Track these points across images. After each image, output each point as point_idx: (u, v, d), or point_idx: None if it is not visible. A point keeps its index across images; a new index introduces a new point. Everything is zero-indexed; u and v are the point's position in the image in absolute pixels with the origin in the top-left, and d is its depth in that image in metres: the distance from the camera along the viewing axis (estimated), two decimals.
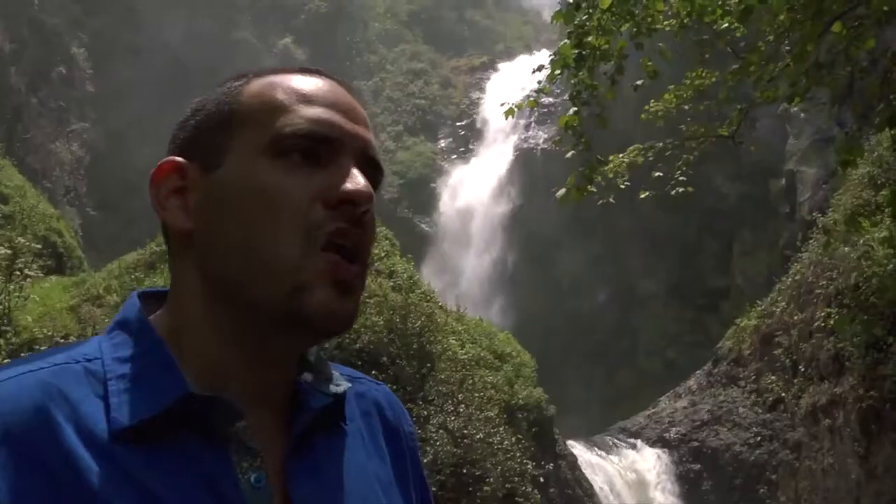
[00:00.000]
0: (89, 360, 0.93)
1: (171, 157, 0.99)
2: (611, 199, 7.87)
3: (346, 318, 0.96)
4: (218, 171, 0.96)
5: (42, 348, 7.93)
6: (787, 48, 7.97)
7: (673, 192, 8.57)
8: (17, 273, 9.93)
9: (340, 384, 1.05)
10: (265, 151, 0.95)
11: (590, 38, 6.68)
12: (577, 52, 6.64)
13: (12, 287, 9.69)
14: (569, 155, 7.26)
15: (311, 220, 0.93)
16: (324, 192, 0.94)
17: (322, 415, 1.01)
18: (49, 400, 0.86)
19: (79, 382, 0.90)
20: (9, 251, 10.07)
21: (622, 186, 8.10)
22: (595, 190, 7.52)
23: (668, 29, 7.73)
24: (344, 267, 0.94)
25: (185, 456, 0.88)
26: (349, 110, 1.01)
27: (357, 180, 0.96)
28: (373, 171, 1.00)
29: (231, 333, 0.95)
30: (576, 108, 6.94)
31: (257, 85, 1.00)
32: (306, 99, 0.98)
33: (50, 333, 9.10)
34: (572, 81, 7.00)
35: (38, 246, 12.61)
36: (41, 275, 10.41)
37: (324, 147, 0.96)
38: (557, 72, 6.88)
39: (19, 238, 10.84)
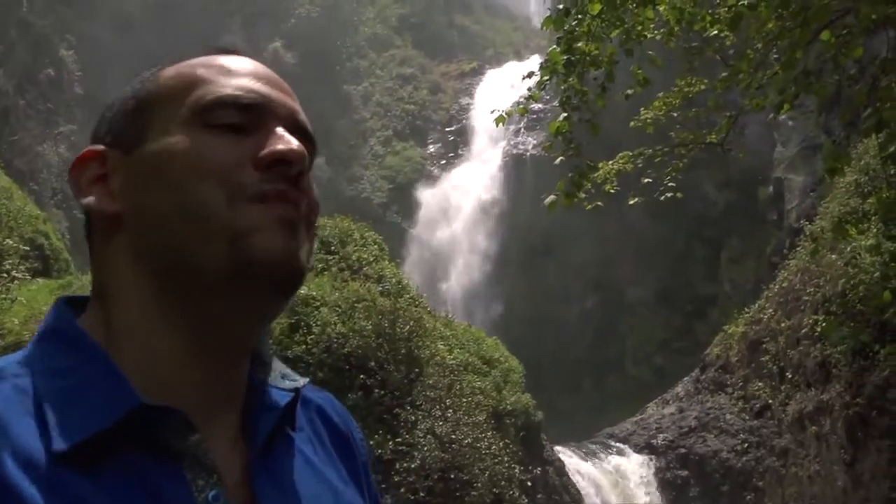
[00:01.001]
0: (19, 377, 0.84)
1: (89, 147, 0.95)
2: (599, 204, 7.87)
3: (296, 258, 0.89)
4: (139, 149, 0.91)
5: None
6: (775, 56, 8.01)
7: (662, 198, 8.58)
8: (4, 275, 9.87)
9: (297, 379, 1.01)
10: (188, 122, 0.90)
11: (580, 44, 6.70)
12: (566, 57, 6.65)
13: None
14: (558, 161, 7.27)
15: (240, 181, 0.88)
16: (253, 155, 0.90)
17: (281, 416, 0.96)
18: None
19: (9, 402, 0.81)
20: None
21: (612, 191, 8.11)
22: (585, 196, 7.53)
23: (657, 38, 7.75)
24: (283, 207, 0.89)
25: (135, 477, 0.80)
26: (272, 80, 0.97)
27: (288, 140, 0.91)
28: (305, 142, 0.95)
29: (176, 318, 0.88)
30: (566, 114, 6.95)
31: (174, 67, 0.97)
32: (227, 71, 0.95)
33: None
34: (562, 87, 7.01)
35: (26, 248, 12.54)
36: (28, 277, 10.34)
37: (250, 115, 0.92)
38: (547, 77, 6.89)
39: (7, 240, 10.77)
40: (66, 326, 0.90)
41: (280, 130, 0.92)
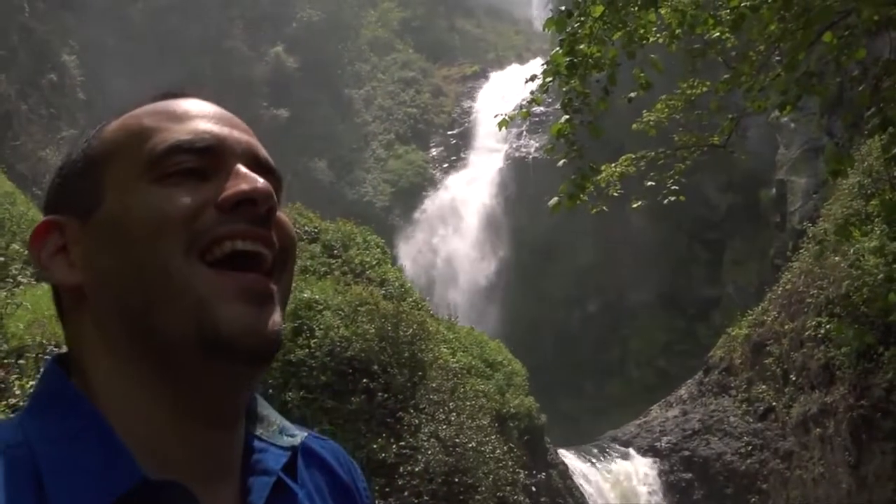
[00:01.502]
0: (14, 447, 0.80)
1: (45, 218, 0.91)
2: (604, 208, 7.87)
3: (269, 333, 0.85)
4: (95, 214, 0.87)
5: (31, 355, 7.91)
6: (777, 58, 8.01)
7: (665, 201, 8.58)
8: (10, 280, 9.87)
9: (295, 434, 0.97)
10: (142, 176, 0.86)
11: (582, 46, 6.70)
12: (568, 59, 6.66)
13: (4, 294, 9.64)
14: (561, 163, 7.27)
15: (199, 226, 0.83)
16: (215, 198, 0.85)
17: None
18: None
19: (4, 479, 0.77)
20: (1, 258, 10.02)
21: (615, 194, 8.11)
22: (587, 199, 7.53)
23: (660, 41, 7.76)
24: (243, 276, 0.84)
25: None
26: (225, 118, 0.93)
27: (251, 178, 0.86)
28: (270, 178, 0.90)
29: (154, 386, 0.84)
30: (568, 117, 6.95)
31: (117, 121, 0.93)
32: (176, 117, 0.90)
33: (40, 340, 9.04)
34: (564, 89, 7.01)
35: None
36: (33, 282, 10.34)
37: (207, 158, 0.87)
38: (549, 79, 6.89)
39: (11, 245, 10.78)
40: (62, 390, 0.86)
41: (241, 168, 0.88)
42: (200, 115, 0.91)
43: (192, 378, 0.84)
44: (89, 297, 0.87)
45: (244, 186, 0.85)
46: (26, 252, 12.50)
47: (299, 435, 0.97)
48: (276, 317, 0.87)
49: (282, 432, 0.96)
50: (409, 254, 34.79)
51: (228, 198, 0.85)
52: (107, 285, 0.85)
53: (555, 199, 7.05)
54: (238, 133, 0.92)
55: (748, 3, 6.79)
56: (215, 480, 0.87)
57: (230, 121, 0.93)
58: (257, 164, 0.91)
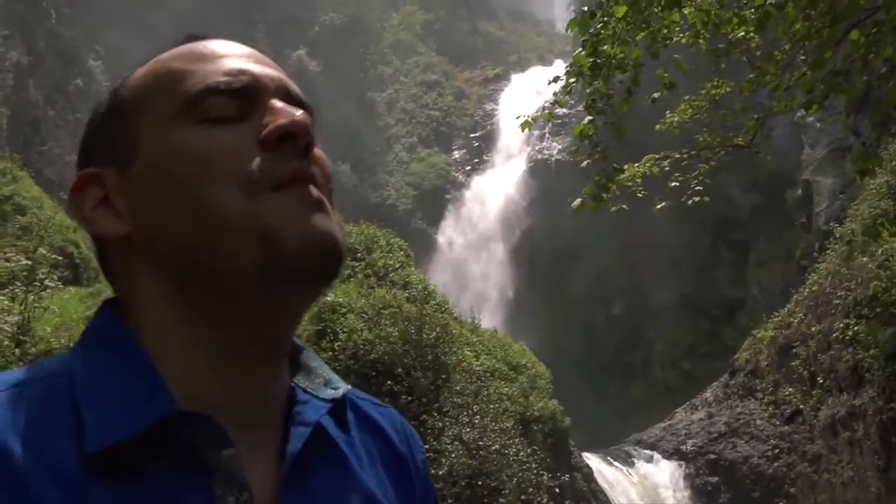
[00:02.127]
0: (54, 377, 0.81)
1: (82, 172, 0.89)
2: (624, 207, 7.82)
3: (335, 236, 0.84)
4: (135, 162, 0.86)
5: None
6: (802, 57, 7.93)
7: (689, 202, 8.52)
8: (37, 284, 9.98)
9: (338, 387, 0.94)
10: (177, 119, 0.85)
11: (605, 47, 6.67)
12: (592, 60, 6.63)
13: (32, 297, 9.75)
14: (584, 164, 7.24)
15: (251, 168, 0.82)
16: (257, 135, 0.84)
17: (320, 429, 0.89)
18: (3, 432, 0.75)
19: (43, 406, 0.78)
20: (28, 262, 10.14)
21: (639, 195, 8.05)
22: (610, 198, 7.48)
23: (684, 41, 7.70)
24: (300, 190, 0.83)
25: (161, 490, 0.77)
26: (254, 56, 0.92)
27: (289, 111, 0.85)
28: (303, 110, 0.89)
29: (205, 327, 0.84)
30: (591, 118, 6.92)
31: (143, 68, 0.91)
32: (204, 57, 0.89)
33: (66, 343, 9.14)
34: (587, 91, 6.98)
35: (57, 257, 12.69)
36: (60, 286, 10.45)
37: (242, 98, 0.86)
38: (573, 80, 6.86)
39: (39, 249, 10.90)
40: (111, 327, 0.87)
41: (277, 103, 0.87)
42: (230, 54, 0.90)
43: (247, 311, 0.84)
44: (139, 245, 0.85)
45: (283, 120, 0.84)
46: (53, 256, 12.65)
47: (342, 388, 0.94)
48: (338, 223, 0.86)
49: (327, 385, 0.94)
50: (432, 255, 34.81)
51: (270, 133, 0.84)
52: (159, 231, 0.84)
53: (578, 201, 7.01)
54: (268, 69, 0.91)
55: (773, 2, 6.72)
56: (257, 426, 0.87)
57: (260, 58, 0.92)
58: (290, 99, 0.90)
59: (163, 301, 0.85)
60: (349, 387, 0.96)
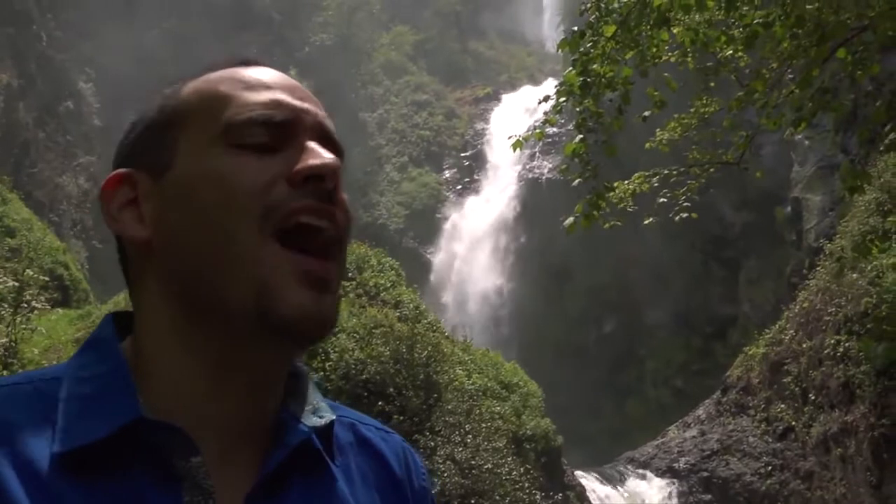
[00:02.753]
0: (46, 381, 0.86)
1: (118, 170, 0.94)
2: (617, 223, 7.84)
3: (326, 319, 0.88)
4: (168, 174, 0.90)
5: None
6: (790, 76, 7.99)
7: (678, 219, 8.55)
8: (25, 305, 9.93)
9: (324, 415, 0.96)
10: (216, 143, 0.89)
11: (595, 66, 6.70)
12: (582, 79, 6.66)
13: (19, 319, 9.69)
14: (575, 183, 7.26)
15: (272, 200, 0.86)
16: (286, 171, 0.88)
17: (303, 451, 0.92)
18: None
19: (24, 405, 0.83)
20: (16, 283, 10.09)
21: (629, 209, 8.08)
22: (601, 216, 7.50)
23: (673, 60, 7.76)
24: (309, 260, 0.87)
25: (130, 494, 0.80)
26: (295, 89, 0.96)
27: (321, 154, 0.90)
28: (332, 150, 0.94)
29: (200, 348, 0.88)
30: (581, 136, 6.95)
31: (194, 83, 0.96)
32: (249, 86, 0.93)
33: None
34: (577, 109, 7.01)
35: (46, 278, 12.63)
36: (48, 307, 10.40)
37: (279, 131, 0.91)
38: (563, 99, 6.89)
39: (27, 270, 10.85)
40: (103, 337, 0.91)
41: (312, 145, 0.91)
42: (274, 86, 0.94)
43: (241, 345, 0.88)
44: (156, 253, 0.90)
45: (314, 162, 0.89)
46: (42, 278, 12.59)
47: (327, 417, 0.97)
48: (333, 301, 0.90)
49: (314, 413, 0.97)
50: (423, 275, 34.80)
51: (300, 172, 0.88)
52: (175, 244, 0.88)
53: (570, 220, 7.03)
54: (308, 105, 0.95)
55: (761, 21, 6.78)
56: (241, 445, 0.90)
57: (301, 93, 0.97)
58: (324, 138, 0.95)
59: (165, 312, 0.89)
60: (334, 417, 0.98)
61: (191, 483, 0.83)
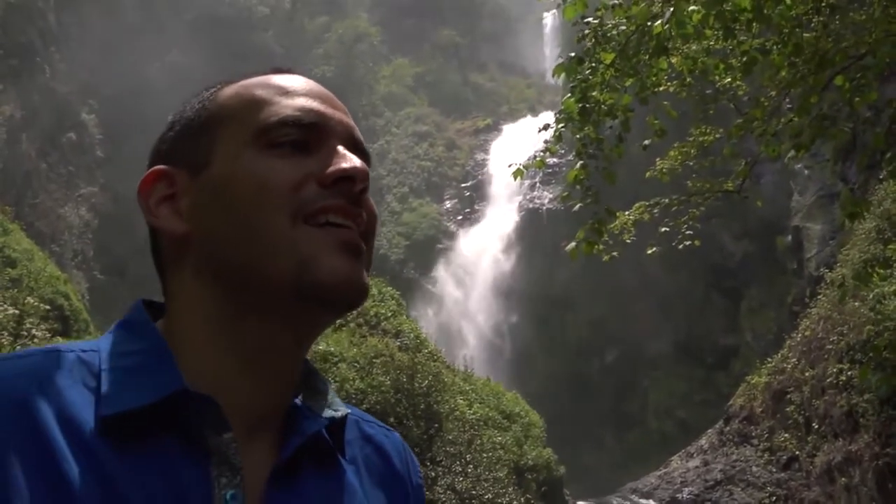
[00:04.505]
0: (85, 351, 0.91)
1: (157, 167, 0.99)
2: (615, 254, 7.83)
3: (363, 285, 0.94)
4: (206, 172, 0.95)
5: None
6: (788, 105, 8.03)
7: (680, 247, 8.54)
8: (24, 334, 9.92)
9: (339, 409, 1.02)
10: (251, 144, 0.95)
11: (594, 93, 6.74)
12: (581, 105, 6.69)
13: (19, 348, 9.67)
14: (576, 208, 7.26)
15: (303, 198, 0.92)
16: (317, 172, 0.94)
17: (316, 442, 0.97)
18: (33, 388, 0.83)
19: (70, 370, 0.88)
20: (16, 312, 10.08)
21: (628, 241, 8.09)
22: (603, 248, 7.50)
23: (671, 89, 7.81)
24: (344, 231, 0.93)
25: (164, 462, 0.85)
26: (329, 98, 1.02)
27: (351, 158, 0.96)
28: (361, 156, 0.99)
29: (234, 331, 0.93)
30: (583, 162, 6.97)
31: (232, 87, 1.02)
32: (285, 92, 0.99)
33: None
34: (577, 136, 7.04)
35: (46, 308, 12.62)
36: (48, 337, 10.38)
37: (311, 134, 0.96)
38: (562, 126, 6.92)
39: (28, 299, 10.85)
40: (139, 318, 0.96)
41: (342, 149, 0.97)
42: (307, 93, 1.00)
43: (275, 322, 0.93)
44: (193, 247, 0.95)
45: (345, 165, 0.95)
46: (42, 307, 12.57)
47: (342, 410, 1.02)
48: (364, 270, 0.96)
49: (329, 406, 1.02)
50: (424, 305, 34.74)
51: (331, 174, 0.94)
52: (212, 239, 0.93)
53: (572, 244, 7.03)
54: (339, 114, 1.02)
55: (758, 49, 6.83)
56: (261, 430, 0.95)
57: (332, 101, 1.03)
58: (353, 145, 1.00)
59: (202, 301, 0.94)
60: (349, 410, 1.05)
61: (220, 458, 0.88)
